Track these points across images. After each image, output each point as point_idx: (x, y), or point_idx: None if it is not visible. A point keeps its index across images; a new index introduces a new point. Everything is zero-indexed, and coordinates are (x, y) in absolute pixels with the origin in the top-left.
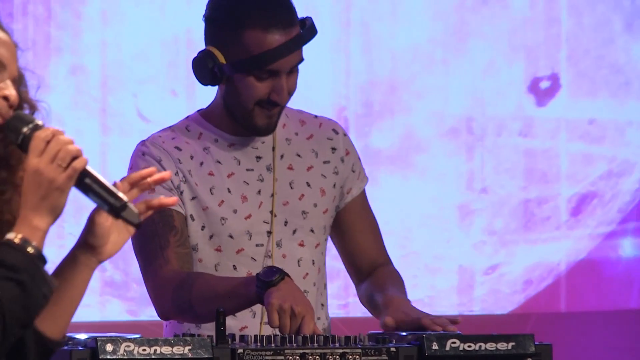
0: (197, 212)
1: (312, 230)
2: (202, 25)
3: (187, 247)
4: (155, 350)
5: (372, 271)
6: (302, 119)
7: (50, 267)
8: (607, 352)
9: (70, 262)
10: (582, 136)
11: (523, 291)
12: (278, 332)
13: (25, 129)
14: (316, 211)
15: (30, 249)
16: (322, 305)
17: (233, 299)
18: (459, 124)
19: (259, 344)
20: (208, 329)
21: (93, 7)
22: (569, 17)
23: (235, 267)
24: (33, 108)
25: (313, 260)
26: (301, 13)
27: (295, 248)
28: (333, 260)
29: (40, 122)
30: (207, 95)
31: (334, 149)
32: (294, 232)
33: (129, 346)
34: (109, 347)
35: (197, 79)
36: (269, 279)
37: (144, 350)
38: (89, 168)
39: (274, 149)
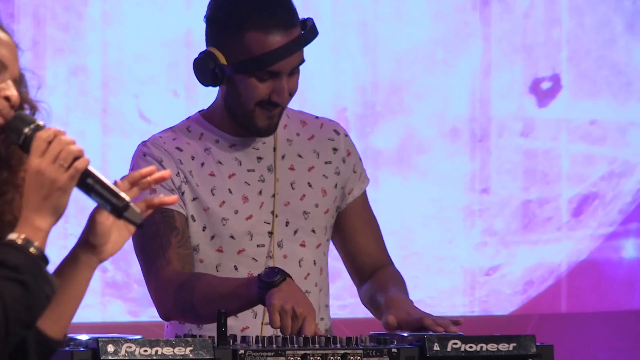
0: (198, 213)
1: (313, 231)
2: (203, 25)
3: (189, 247)
4: (156, 351)
5: (374, 272)
6: (303, 119)
7: (52, 268)
8: (608, 353)
9: (71, 261)
10: (583, 137)
11: (524, 292)
12: (279, 333)
13: (26, 130)
14: (317, 211)
15: (32, 250)
16: (325, 306)
17: (234, 299)
18: (460, 125)
19: (260, 344)
20: (209, 330)
21: (94, 8)
22: (570, 17)
23: (236, 268)
24: (34, 108)
25: (314, 261)
26: (302, 14)
27: (296, 248)
28: (334, 261)
29: (41, 123)
30: (209, 96)
31: (335, 149)
32: (295, 232)
33: (130, 347)
34: (110, 348)
35: (198, 80)
36: (271, 280)
37: (145, 351)
38: (91, 168)
39: (275, 149)
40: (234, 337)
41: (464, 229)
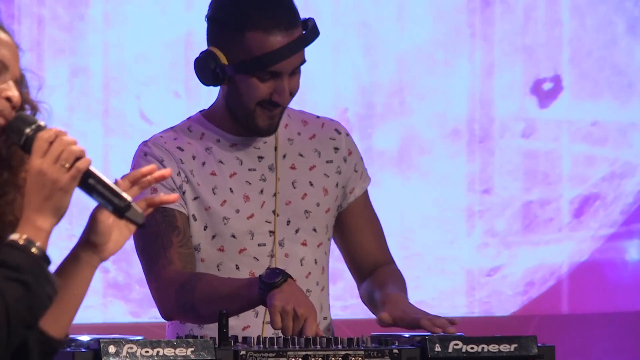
0: (200, 212)
1: (314, 230)
2: (204, 26)
3: (190, 247)
4: (157, 352)
5: (374, 270)
6: (305, 119)
7: (53, 268)
8: (609, 354)
9: (72, 260)
10: (585, 138)
11: (525, 293)
12: (281, 334)
13: (28, 130)
14: (319, 210)
15: (34, 250)
16: (326, 305)
17: (236, 300)
18: (462, 126)
19: (261, 345)
20: (211, 329)
21: (96, 9)
22: (572, 18)
23: (237, 267)
24: (34, 109)
25: (316, 260)
26: (303, 14)
27: (297, 247)
28: (336, 261)
29: (42, 123)
30: (210, 96)
31: (336, 148)
32: (297, 231)
33: (131, 348)
34: (112, 349)
35: (199, 79)
36: (272, 281)
37: (147, 352)
38: (93, 168)
39: (276, 148)
40: (235, 337)
41: (465, 229)
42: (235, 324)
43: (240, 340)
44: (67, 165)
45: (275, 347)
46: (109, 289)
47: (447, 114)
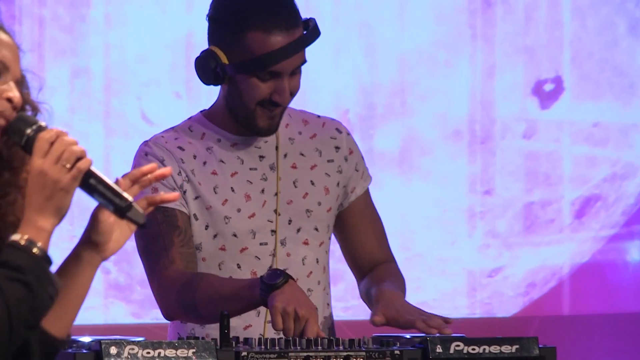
0: (201, 212)
1: (316, 229)
2: (205, 27)
3: (191, 246)
4: (159, 353)
5: (373, 268)
6: (305, 118)
7: (55, 268)
8: (611, 355)
9: (73, 260)
10: (586, 139)
11: (527, 294)
12: (282, 335)
13: (28, 131)
14: (320, 210)
15: (35, 250)
16: (327, 304)
17: (237, 301)
18: (463, 127)
19: (263, 346)
20: (213, 329)
21: (97, 10)
22: (573, 19)
23: (239, 266)
24: (35, 110)
25: (317, 259)
26: (304, 15)
27: (299, 247)
28: (337, 262)
29: (43, 124)
30: (211, 97)
31: (337, 147)
32: (298, 230)
33: (133, 349)
34: (113, 350)
35: (200, 79)
36: (273, 282)
37: (148, 353)
38: (94, 168)
39: (277, 148)
40: (237, 338)
41: (466, 230)
42: (237, 324)
43: (241, 341)
44: (68, 166)
45: (277, 348)
46: (110, 290)
47: (448, 114)
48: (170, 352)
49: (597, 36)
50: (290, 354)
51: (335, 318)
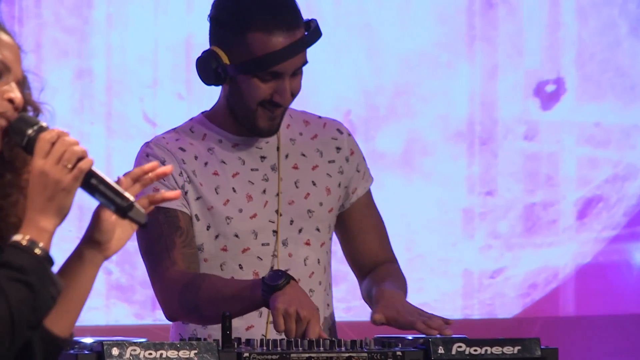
0: (202, 212)
1: (317, 229)
2: (206, 27)
3: (193, 247)
4: (161, 354)
5: (375, 268)
6: (306, 119)
7: (56, 268)
8: (612, 356)
9: (76, 259)
10: (588, 140)
11: (528, 295)
12: (284, 336)
13: (30, 131)
14: (322, 210)
15: (37, 251)
16: (328, 305)
17: (239, 302)
18: (464, 128)
19: (264, 347)
20: (215, 330)
21: (99, 11)
22: (575, 20)
23: (241, 267)
24: (37, 110)
25: (319, 260)
26: (306, 15)
27: (301, 247)
28: (339, 263)
29: (44, 124)
30: (213, 98)
31: (338, 148)
32: (300, 231)
33: (135, 350)
34: (115, 351)
35: (201, 79)
36: (275, 283)
37: (150, 354)
38: (95, 168)
39: (278, 148)
40: (239, 339)
41: (467, 231)
42: (239, 324)
43: (243, 342)
44: (70, 166)
45: (279, 349)
46: (112, 291)
47: (450, 116)
48: (172, 353)
49: (599, 37)
50: (292, 355)
51: (336, 319)
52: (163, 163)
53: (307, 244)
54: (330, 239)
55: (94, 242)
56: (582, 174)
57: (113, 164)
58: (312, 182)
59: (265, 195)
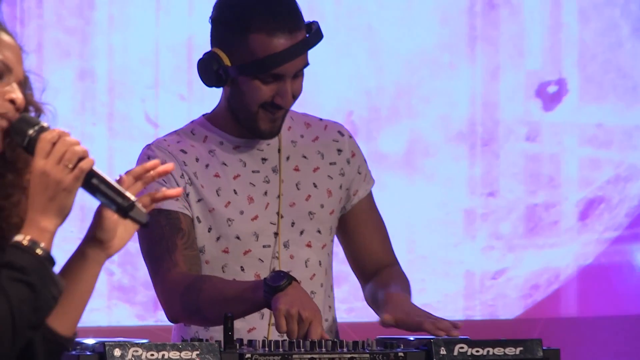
0: (204, 214)
1: (318, 231)
2: (208, 28)
3: (195, 249)
4: (163, 355)
5: (377, 272)
6: (307, 121)
7: (58, 268)
8: (614, 357)
9: (78, 258)
10: (590, 141)
11: (530, 296)
12: (286, 337)
13: (31, 131)
14: (323, 212)
15: (38, 251)
16: (330, 307)
17: (241, 303)
18: (466, 129)
19: (266, 348)
20: (217, 331)
21: (101, 12)
22: (577, 21)
23: (242, 269)
24: (38, 111)
25: (320, 261)
26: (307, 17)
27: (302, 249)
28: (340, 264)
29: (45, 124)
30: (215, 99)
31: (339, 150)
32: (301, 233)
33: (137, 351)
34: (117, 352)
35: (202, 80)
36: (277, 284)
37: (152, 355)
38: (96, 168)
39: (279, 150)
40: (241, 340)
41: (469, 232)
42: (241, 326)
43: (245, 343)
44: (71, 166)
45: (281, 350)
46: (114, 292)
47: (451, 116)
48: (174, 354)
49: (600, 38)
50: (294, 356)
51: (338, 320)
52: None
53: (309, 245)
54: (332, 241)
55: (96, 241)
56: (584, 175)
57: (115, 164)
58: (313, 184)
59: (266, 197)
